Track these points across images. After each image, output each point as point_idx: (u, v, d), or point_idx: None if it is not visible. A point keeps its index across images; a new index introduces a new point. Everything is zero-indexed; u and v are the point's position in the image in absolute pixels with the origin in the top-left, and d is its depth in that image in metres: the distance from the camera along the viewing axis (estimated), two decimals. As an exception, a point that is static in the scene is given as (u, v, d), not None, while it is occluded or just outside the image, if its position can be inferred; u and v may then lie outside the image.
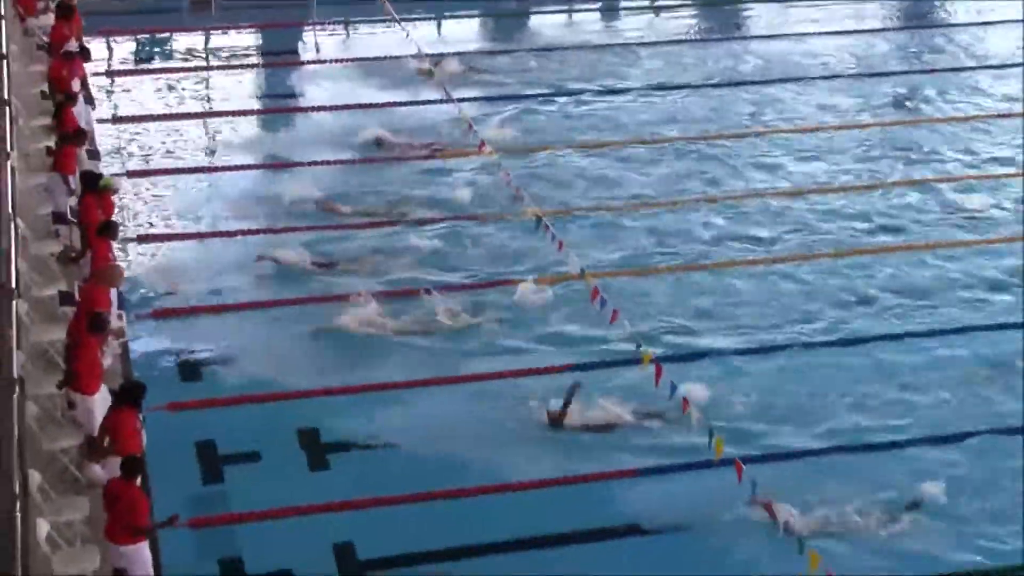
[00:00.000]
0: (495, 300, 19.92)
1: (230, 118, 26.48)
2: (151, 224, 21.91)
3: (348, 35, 31.61)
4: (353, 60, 29.40)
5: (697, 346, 18.96)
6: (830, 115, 27.47)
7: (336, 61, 29.40)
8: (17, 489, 12.62)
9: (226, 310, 19.54)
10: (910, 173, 24.95)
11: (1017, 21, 32.42)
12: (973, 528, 15.38)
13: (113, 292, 16.77)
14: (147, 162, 24.29)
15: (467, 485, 15.77)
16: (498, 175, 22.18)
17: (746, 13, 34.36)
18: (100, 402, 14.27)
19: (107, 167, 22.72)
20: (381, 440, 16.64)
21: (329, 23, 31.91)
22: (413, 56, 27.23)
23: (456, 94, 24.95)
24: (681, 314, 19.79)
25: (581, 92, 28.08)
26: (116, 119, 25.64)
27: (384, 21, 29.95)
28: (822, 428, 17.22)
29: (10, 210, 17.83)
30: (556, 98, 27.79)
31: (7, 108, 20.71)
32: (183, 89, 27.91)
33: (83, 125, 20.85)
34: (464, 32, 32.31)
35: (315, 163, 24.31)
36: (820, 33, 32.21)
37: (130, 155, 24.52)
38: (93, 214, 17.39)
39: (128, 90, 27.57)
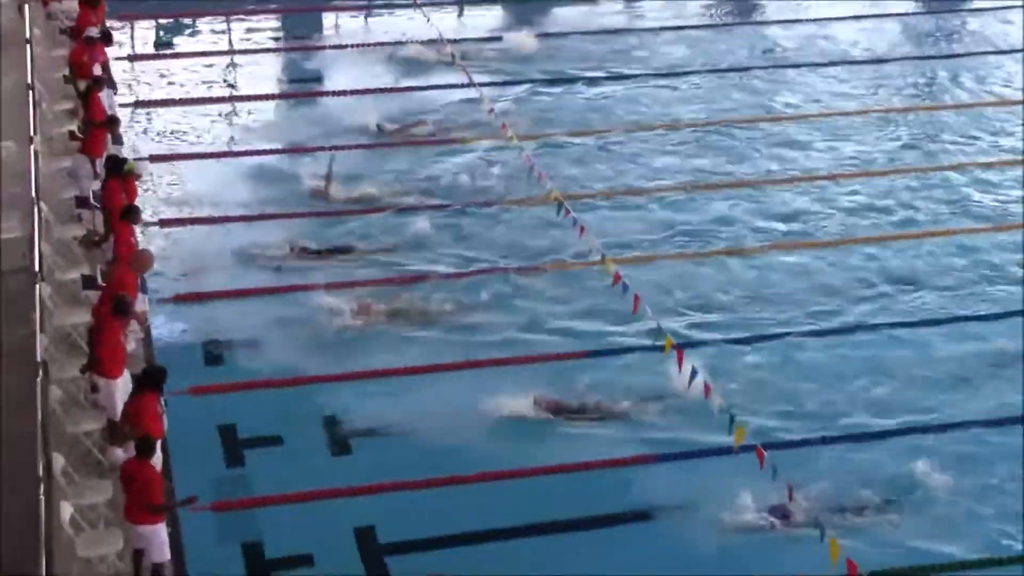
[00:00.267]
0: (515, 285, 19.94)
1: (252, 102, 26.52)
2: (173, 208, 21.95)
3: (368, 19, 31.55)
4: (373, 45, 29.33)
5: (712, 332, 18.95)
6: (850, 100, 27.37)
7: (356, 46, 29.36)
8: (41, 472, 12.72)
9: (248, 295, 19.60)
10: (932, 159, 24.86)
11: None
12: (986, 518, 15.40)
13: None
14: (169, 146, 24.34)
15: (487, 470, 15.80)
16: (519, 159, 22.17)
17: (766, -2, 34.29)
18: (123, 386, 14.32)
19: (129, 152, 22.78)
20: (403, 425, 16.68)
21: (350, 7, 31.88)
22: (428, 42, 27.25)
23: (476, 79, 24.94)
24: (699, 300, 19.80)
25: (600, 77, 28.04)
26: (137, 103, 25.70)
27: (406, 6, 30.02)
28: (839, 417, 17.21)
29: (34, 194, 17.91)
30: (575, 83, 27.75)
31: (31, 92, 20.79)
32: (205, 73, 27.95)
33: (106, 110, 20.89)
34: (484, 17, 32.25)
35: (336, 147, 24.30)
36: (841, 17, 32.05)
37: (152, 139, 24.59)
38: (117, 198, 17.43)
39: (149, 74, 27.62)
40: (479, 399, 17.13)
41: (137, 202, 18.07)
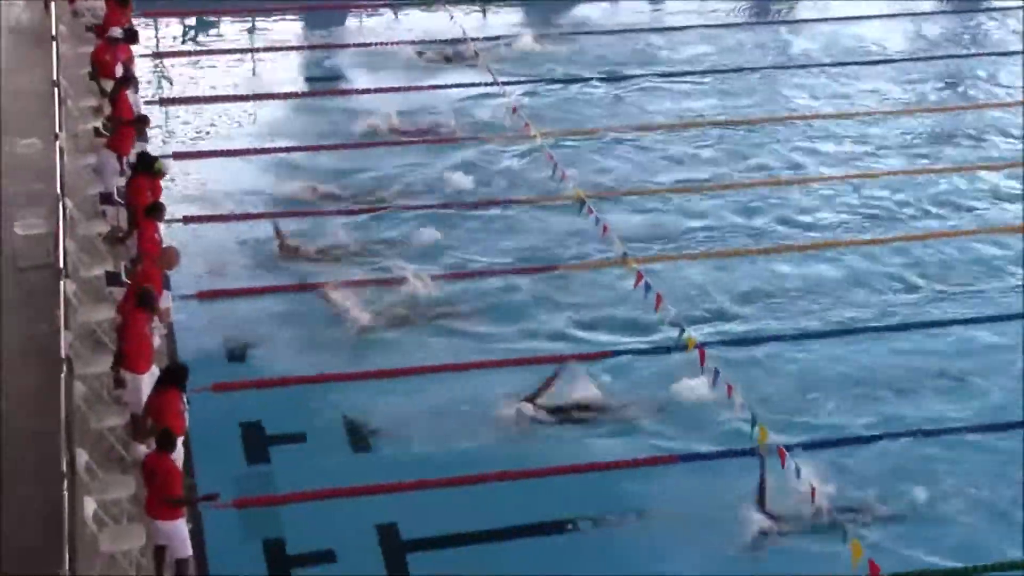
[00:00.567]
0: (537, 283, 19.94)
1: (276, 100, 26.56)
2: (196, 205, 22.01)
3: (395, 16, 31.55)
4: (398, 43, 29.32)
5: (737, 331, 18.93)
6: (876, 100, 27.27)
7: (381, 44, 29.37)
8: (64, 467, 12.79)
9: (271, 292, 19.61)
10: (958, 158, 24.76)
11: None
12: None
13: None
14: (192, 144, 24.41)
15: (509, 468, 15.81)
16: (541, 158, 22.18)
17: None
18: (149, 382, 14.35)
19: (152, 148, 22.84)
20: (425, 423, 16.70)
21: (374, 5, 31.92)
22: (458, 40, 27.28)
23: (500, 78, 24.95)
24: (721, 299, 19.77)
25: (625, 75, 28.01)
26: (162, 101, 25.79)
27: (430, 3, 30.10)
28: (871, 414, 17.17)
29: (58, 190, 18.00)
30: (601, 81, 27.70)
31: (56, 89, 20.89)
32: (228, 70, 28.02)
33: (132, 107, 20.97)
34: (508, 15, 32.25)
35: (360, 145, 24.34)
36: (868, 16, 31.93)
37: (175, 136, 24.69)
38: (144, 195, 17.47)
39: (173, 71, 27.72)
40: (500, 398, 17.14)
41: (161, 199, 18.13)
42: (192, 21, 30.56)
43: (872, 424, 16.93)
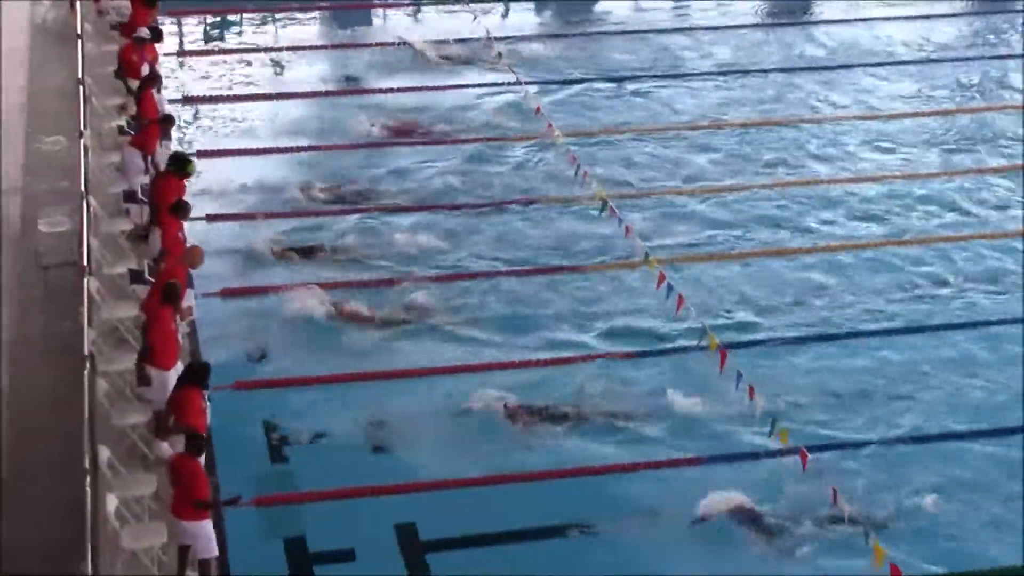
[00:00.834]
0: (559, 285, 19.95)
1: (299, 100, 26.58)
2: (218, 203, 22.07)
3: (417, 16, 31.57)
4: (425, 42, 29.28)
5: (757, 332, 18.92)
6: (899, 101, 27.18)
7: (405, 44, 29.34)
8: (87, 464, 12.85)
9: (294, 290, 19.63)
10: (981, 160, 24.66)
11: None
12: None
13: (183, 272, 16.92)
14: (215, 141, 24.48)
15: (529, 469, 15.81)
16: (563, 158, 22.17)
17: (816, -3, 34.11)
18: (175, 378, 14.42)
19: (176, 146, 22.93)
20: (444, 422, 16.72)
21: (398, 4, 31.94)
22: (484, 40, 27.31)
23: (521, 78, 24.96)
24: (741, 300, 19.75)
25: (646, 76, 27.97)
26: (185, 99, 25.87)
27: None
28: (894, 418, 17.17)
29: (82, 188, 18.07)
30: (620, 82, 27.68)
31: (81, 87, 20.97)
32: (250, 69, 28.07)
33: (158, 106, 21.03)
34: (528, 15, 32.24)
35: (381, 145, 24.34)
36: (890, 18, 31.82)
37: (199, 134, 24.76)
38: (171, 194, 17.51)
39: (196, 70, 27.79)
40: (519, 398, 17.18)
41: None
42: (215, 19, 30.63)
43: (887, 428, 16.93)
